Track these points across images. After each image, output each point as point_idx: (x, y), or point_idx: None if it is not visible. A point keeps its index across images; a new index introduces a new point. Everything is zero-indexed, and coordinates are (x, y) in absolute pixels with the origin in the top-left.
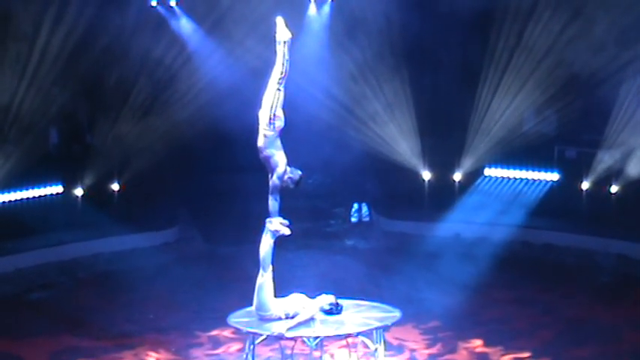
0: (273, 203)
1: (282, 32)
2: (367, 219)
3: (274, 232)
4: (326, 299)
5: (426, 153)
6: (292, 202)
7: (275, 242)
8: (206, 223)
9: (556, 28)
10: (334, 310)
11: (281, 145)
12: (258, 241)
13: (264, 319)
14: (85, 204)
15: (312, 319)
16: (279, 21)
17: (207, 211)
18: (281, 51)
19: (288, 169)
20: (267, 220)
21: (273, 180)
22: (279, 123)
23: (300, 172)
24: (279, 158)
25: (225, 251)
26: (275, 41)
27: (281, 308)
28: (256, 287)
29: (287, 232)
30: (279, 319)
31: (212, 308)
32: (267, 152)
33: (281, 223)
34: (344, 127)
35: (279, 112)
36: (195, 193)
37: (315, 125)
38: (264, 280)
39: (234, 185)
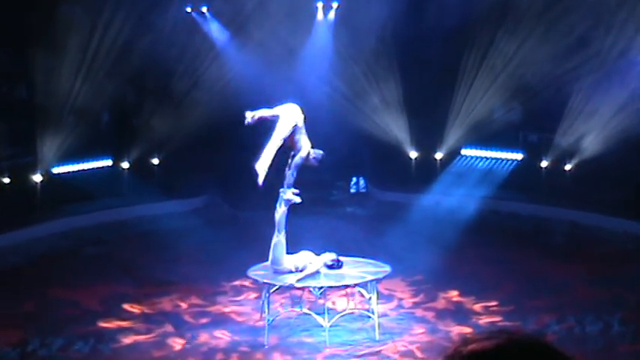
0: (290, 177)
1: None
2: (364, 190)
3: (287, 201)
4: (329, 256)
5: (414, 136)
6: (301, 175)
7: (288, 209)
8: (230, 192)
9: (522, 33)
10: (336, 265)
11: (305, 133)
12: (273, 208)
13: (278, 272)
14: (130, 175)
15: (317, 272)
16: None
17: (231, 182)
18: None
19: (312, 150)
20: (282, 190)
21: (296, 159)
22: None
23: (321, 152)
24: (303, 143)
25: (246, 216)
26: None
27: (292, 263)
28: (272, 245)
29: (298, 200)
30: (290, 272)
31: (234, 263)
32: (296, 137)
33: (293, 193)
34: (347, 115)
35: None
36: (221, 167)
37: (323, 113)
38: (279, 239)
39: (254, 161)
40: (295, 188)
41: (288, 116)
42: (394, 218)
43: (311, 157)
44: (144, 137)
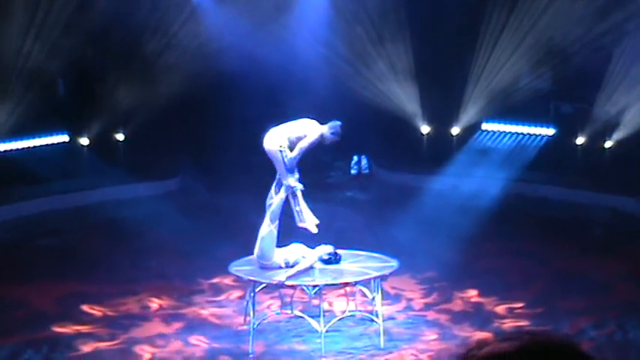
0: (292, 161)
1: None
2: (367, 171)
3: (289, 188)
4: (324, 249)
5: (426, 108)
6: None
7: (286, 197)
8: (209, 173)
9: None
10: (333, 259)
11: (301, 122)
12: (260, 192)
13: (265, 268)
14: (90, 153)
15: (311, 268)
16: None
17: (211, 161)
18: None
19: (325, 128)
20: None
21: (302, 143)
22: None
23: (338, 123)
24: (307, 131)
25: (227, 201)
26: None
27: (281, 257)
28: (259, 236)
29: (300, 187)
30: (280, 267)
31: (214, 256)
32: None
33: (296, 179)
34: (347, 83)
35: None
36: (198, 144)
37: (319, 80)
38: (270, 230)
39: (238, 136)
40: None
41: (274, 148)
42: (402, 204)
43: (327, 135)
44: (107, 108)
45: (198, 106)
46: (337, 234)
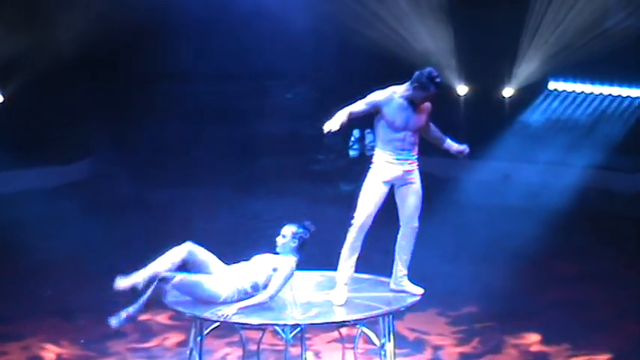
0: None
1: None
2: (372, 152)
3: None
4: (292, 228)
5: (463, 60)
6: (266, 126)
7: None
8: (132, 156)
9: None
10: (303, 234)
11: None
12: (205, 183)
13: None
14: None
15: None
16: None
17: (134, 138)
18: None
19: (402, 88)
20: None
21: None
22: None
23: (427, 69)
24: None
25: (159, 196)
26: None
27: (246, 280)
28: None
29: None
30: (246, 294)
31: None
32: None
33: None
34: (346, 22)
35: None
36: (117, 113)
37: (305, 20)
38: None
39: (173, 100)
40: (256, 150)
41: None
42: (427, 204)
43: (410, 94)
44: None
45: (116, 59)
46: (328, 247)
